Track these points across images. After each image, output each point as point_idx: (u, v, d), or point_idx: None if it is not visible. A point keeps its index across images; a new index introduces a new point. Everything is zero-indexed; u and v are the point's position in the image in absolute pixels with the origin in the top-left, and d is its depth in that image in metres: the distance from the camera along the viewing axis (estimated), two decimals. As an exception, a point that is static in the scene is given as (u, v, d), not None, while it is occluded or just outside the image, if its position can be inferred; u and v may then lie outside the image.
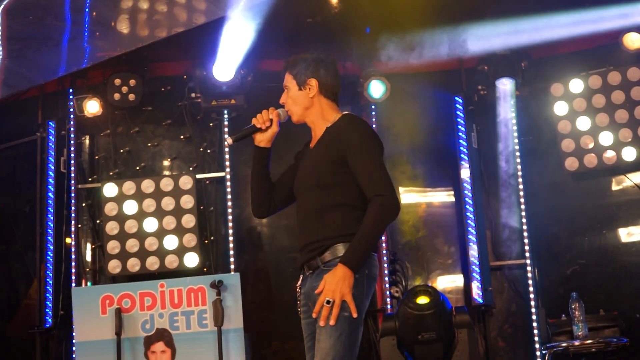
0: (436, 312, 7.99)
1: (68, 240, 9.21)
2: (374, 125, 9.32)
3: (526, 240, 9.03)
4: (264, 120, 4.64)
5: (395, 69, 9.38)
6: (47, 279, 9.04)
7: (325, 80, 4.65)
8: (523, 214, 9.06)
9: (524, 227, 9.03)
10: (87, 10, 7.63)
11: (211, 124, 9.40)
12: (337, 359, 4.22)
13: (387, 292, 9.06)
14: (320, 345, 4.25)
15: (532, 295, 8.91)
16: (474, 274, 8.84)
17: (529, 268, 8.96)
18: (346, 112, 4.63)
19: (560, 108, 9.03)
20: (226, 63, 8.85)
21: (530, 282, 8.94)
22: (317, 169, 4.49)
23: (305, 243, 4.46)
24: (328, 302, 4.18)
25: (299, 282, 4.54)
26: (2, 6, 7.38)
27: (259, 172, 4.74)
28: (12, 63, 8.42)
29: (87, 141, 9.57)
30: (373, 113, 9.38)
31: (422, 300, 8.08)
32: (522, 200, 9.08)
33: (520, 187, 9.09)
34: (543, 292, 9.02)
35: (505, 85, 9.01)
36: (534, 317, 8.84)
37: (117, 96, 9.20)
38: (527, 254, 8.99)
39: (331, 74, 4.69)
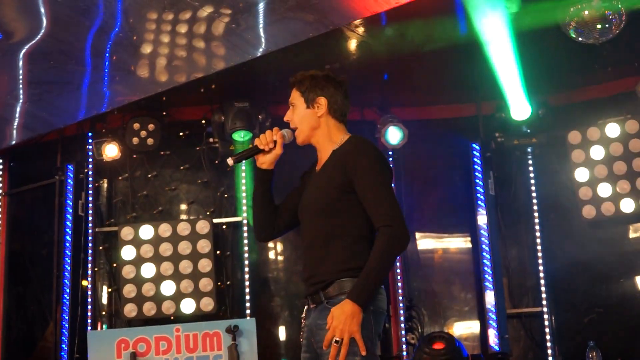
0: (452, 358, 7.96)
1: (84, 283, 9.22)
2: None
3: (543, 288, 9.00)
4: (268, 141, 4.38)
5: (412, 115, 9.43)
6: (63, 322, 9.06)
7: (335, 100, 4.44)
8: (540, 261, 9.03)
9: (541, 274, 9.00)
10: (107, 55, 7.69)
11: (229, 169, 9.43)
12: None
13: (403, 339, 9.04)
14: None
15: (549, 344, 8.88)
16: (491, 322, 8.81)
17: (545, 316, 8.93)
18: (354, 135, 4.38)
19: (577, 156, 9.04)
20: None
21: (547, 330, 8.91)
22: (323, 194, 4.26)
23: (308, 275, 4.26)
24: (337, 341, 3.96)
25: (304, 313, 4.34)
26: (24, 51, 7.46)
27: (261, 194, 4.50)
28: (32, 107, 8.49)
29: (105, 185, 9.61)
30: (391, 159, 9.40)
31: (438, 346, 8.05)
32: (539, 247, 9.06)
33: (537, 234, 9.08)
34: (560, 341, 8.98)
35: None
36: (551, 365, 8.80)
37: (135, 140, 9.25)
38: (544, 302, 8.96)
39: (341, 93, 4.49)
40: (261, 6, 6.95)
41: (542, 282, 9.01)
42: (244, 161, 4.51)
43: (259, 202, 4.51)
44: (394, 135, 9.10)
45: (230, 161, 4.38)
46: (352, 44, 8.38)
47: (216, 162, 9.47)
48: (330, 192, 4.22)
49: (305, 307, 4.33)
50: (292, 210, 4.50)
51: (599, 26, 7.55)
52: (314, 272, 4.22)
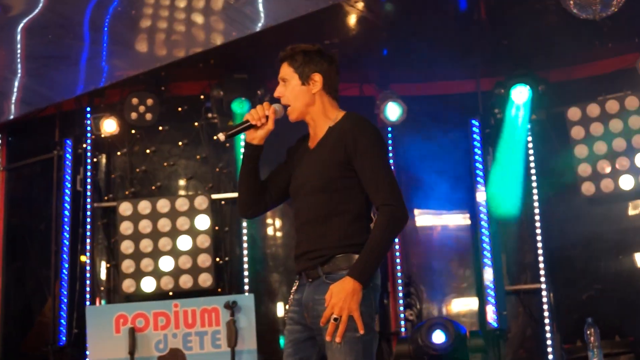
0: (452, 349, 8.04)
1: (83, 258, 9.23)
2: (390, 147, 9.35)
3: (541, 265, 8.99)
4: (260, 116, 4.25)
5: (411, 91, 9.41)
6: (62, 297, 9.08)
7: (329, 76, 4.33)
8: (539, 238, 9.03)
9: (540, 251, 9.00)
10: (105, 29, 7.67)
11: (227, 145, 9.41)
12: None
13: (402, 316, 9.05)
14: None
15: (547, 320, 8.88)
16: (489, 298, 8.83)
17: (544, 293, 8.93)
18: (350, 112, 4.32)
19: (576, 132, 9.01)
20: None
21: (545, 307, 8.91)
22: (321, 171, 4.19)
23: (305, 250, 4.20)
24: (335, 319, 3.94)
25: (294, 288, 4.29)
26: (22, 25, 7.43)
27: (249, 171, 4.39)
28: (30, 81, 8.47)
29: (104, 160, 9.59)
30: (390, 135, 9.40)
31: (438, 338, 8.11)
32: (537, 224, 9.05)
33: (536, 211, 9.07)
34: (558, 317, 8.99)
35: (521, 99, 8.95)
36: (548, 342, 8.82)
37: (134, 115, 9.23)
38: (543, 279, 8.96)
39: (334, 69, 4.37)
40: (260, -19, 6.95)
41: (541, 259, 9.00)
42: (241, 136, 4.36)
43: (247, 178, 4.42)
44: (393, 111, 9.09)
45: (221, 136, 4.34)
46: (352, 19, 8.37)
47: (215, 137, 9.43)
48: (331, 169, 4.17)
49: (296, 282, 4.29)
50: (280, 187, 4.46)
51: (599, 1, 7.51)
52: (312, 247, 4.17)
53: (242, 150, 4.37)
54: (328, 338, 4.00)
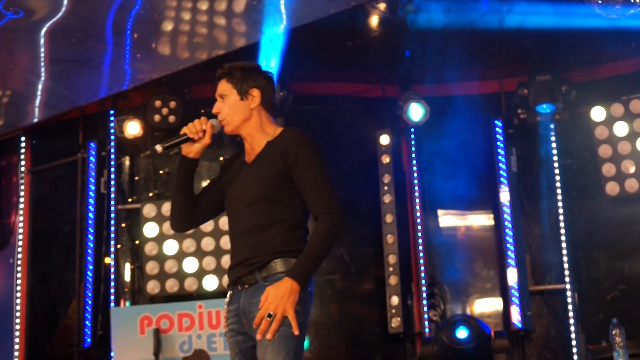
0: (476, 345, 8.01)
1: (107, 260, 9.26)
2: (413, 148, 9.35)
3: (566, 265, 8.95)
4: (197, 130, 4.36)
5: (434, 92, 9.40)
6: (86, 299, 9.10)
7: (267, 92, 4.42)
8: (563, 238, 8.99)
9: (564, 251, 8.96)
10: (128, 32, 7.72)
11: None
12: None
13: (425, 316, 9.04)
14: None
15: (572, 321, 8.84)
16: (514, 299, 8.78)
17: (568, 293, 8.89)
18: (289, 127, 4.42)
19: (600, 132, 8.97)
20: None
21: (570, 307, 8.87)
22: (261, 183, 4.25)
23: (242, 259, 4.23)
24: (269, 315, 4.01)
25: (227, 298, 4.31)
26: (45, 29, 7.47)
27: (185, 184, 4.47)
28: (54, 84, 8.52)
29: (127, 162, 9.61)
30: (412, 136, 9.41)
31: (462, 333, 8.09)
32: (562, 224, 9.02)
33: (560, 211, 9.03)
34: (583, 318, 8.94)
35: (546, 111, 8.97)
36: (573, 342, 8.77)
37: (157, 118, 9.25)
38: (567, 279, 8.92)
39: (271, 85, 4.47)
40: (283, -18, 6.96)
41: (565, 259, 8.96)
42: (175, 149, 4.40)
43: (181, 192, 4.48)
44: (415, 112, 9.08)
45: (159, 148, 4.38)
46: (374, 21, 8.37)
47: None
48: (271, 180, 4.23)
49: (230, 292, 4.32)
50: (213, 201, 4.53)
51: (622, 0, 7.49)
52: (249, 255, 4.21)
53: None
54: (259, 336, 4.05)
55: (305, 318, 4.17)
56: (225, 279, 8.81)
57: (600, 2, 7.42)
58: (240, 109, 4.39)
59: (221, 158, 9.25)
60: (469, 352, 8.08)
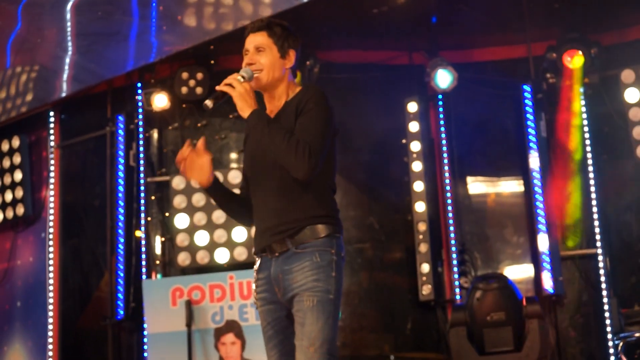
0: (505, 292, 8.02)
1: (138, 233, 9.31)
2: (441, 115, 9.31)
3: (597, 230, 8.91)
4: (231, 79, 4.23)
5: (461, 58, 9.35)
6: (118, 272, 9.16)
7: (297, 56, 4.38)
8: (594, 202, 8.94)
9: (595, 215, 8.91)
10: (154, 4, 7.73)
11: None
12: (326, 343, 4.03)
13: (456, 283, 9.04)
14: (306, 329, 4.04)
15: (603, 285, 8.79)
16: (544, 264, 8.76)
17: (600, 257, 8.85)
18: (305, 84, 4.38)
19: (630, 95, 8.87)
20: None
21: (601, 271, 8.82)
22: None
23: (268, 225, 4.17)
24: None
25: (256, 266, 4.26)
26: (71, 3, 7.48)
27: (224, 200, 4.43)
28: (81, 58, 8.55)
29: (156, 135, 9.63)
30: (440, 103, 9.36)
31: (492, 281, 8.10)
32: (592, 189, 8.96)
33: (591, 175, 8.97)
34: (615, 282, 8.90)
35: (574, 63, 8.85)
36: (605, 307, 8.73)
37: (184, 90, 9.24)
38: (599, 243, 8.88)
39: (299, 50, 4.42)
40: (307, -50, 6.93)
41: (596, 223, 8.91)
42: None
43: (228, 207, 4.48)
44: (443, 78, 9.02)
45: (209, 103, 4.31)
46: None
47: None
48: None
49: (258, 260, 4.26)
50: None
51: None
52: (278, 221, 4.15)
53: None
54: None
55: (341, 283, 4.13)
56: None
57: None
58: (278, 65, 4.30)
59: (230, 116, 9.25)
60: (497, 296, 8.08)
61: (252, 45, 4.32)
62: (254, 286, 4.29)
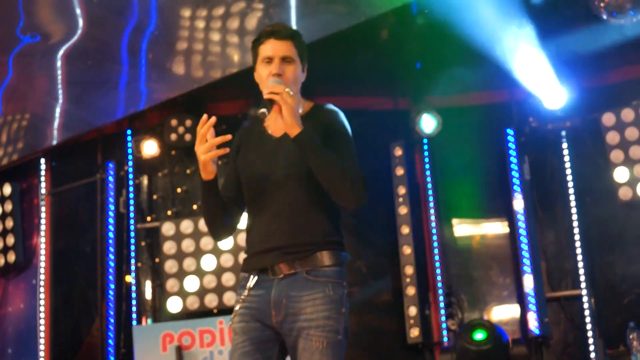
0: (494, 347, 8.06)
1: (128, 278, 9.37)
2: (427, 159, 9.43)
3: (581, 271, 9.00)
4: (281, 91, 3.85)
5: (446, 103, 9.48)
6: (109, 317, 9.22)
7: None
8: (577, 244, 9.04)
9: (579, 257, 9.02)
10: (143, 53, 7.83)
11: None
12: None
13: (444, 325, 9.11)
14: None
15: (589, 326, 8.87)
16: (530, 306, 8.84)
17: (585, 299, 8.93)
18: (319, 103, 4.10)
19: (611, 138, 9.03)
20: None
21: (587, 312, 8.90)
22: (299, 160, 3.87)
23: (275, 245, 3.90)
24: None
25: (252, 283, 3.94)
26: (62, 52, 7.60)
27: (215, 201, 4.03)
28: (72, 106, 8.65)
29: (146, 181, 9.71)
30: (426, 147, 9.48)
31: (479, 335, 8.14)
32: (576, 230, 9.07)
33: (574, 217, 9.09)
34: (600, 323, 8.97)
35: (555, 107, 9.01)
36: (591, 348, 8.79)
37: (173, 137, 9.34)
38: (583, 285, 8.97)
39: None
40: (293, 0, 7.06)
41: (580, 264, 9.01)
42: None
43: (215, 210, 4.06)
44: (428, 123, 9.14)
45: (265, 111, 3.87)
46: (384, 34, 8.45)
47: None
48: None
49: (253, 277, 3.95)
50: (239, 187, 4.12)
51: (629, 6, 7.56)
52: (288, 242, 3.89)
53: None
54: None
55: (348, 319, 3.94)
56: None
57: (606, 9, 7.50)
58: (299, 81, 4.05)
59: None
60: (487, 355, 8.13)
61: (279, 53, 3.99)
62: (239, 300, 3.97)
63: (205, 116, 3.87)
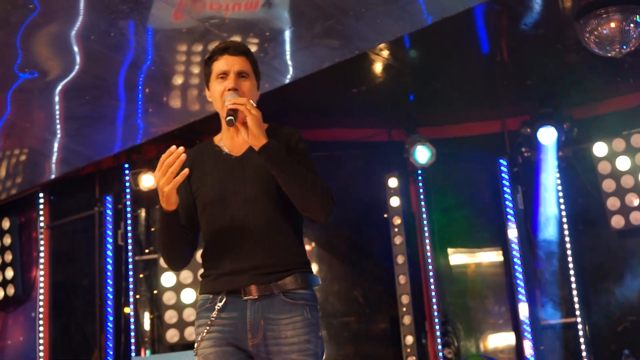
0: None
1: (127, 310, 9.41)
2: (421, 190, 9.52)
3: (575, 299, 9.08)
4: (243, 100, 3.68)
5: (439, 134, 9.57)
6: (108, 350, 9.25)
7: None
8: (571, 272, 9.12)
9: (573, 285, 9.09)
10: (140, 87, 7.88)
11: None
12: None
13: (440, 354, 9.16)
14: None
15: (584, 354, 8.94)
16: (526, 334, 8.90)
17: (579, 326, 9.01)
18: (274, 123, 3.90)
19: (603, 167, 9.14)
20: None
21: (581, 340, 8.97)
22: (265, 179, 3.76)
23: (247, 266, 3.73)
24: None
25: (219, 304, 3.75)
26: (59, 88, 7.68)
27: (178, 232, 3.84)
28: (69, 141, 8.71)
29: (143, 214, 9.77)
30: (420, 178, 9.57)
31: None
32: (570, 259, 9.15)
33: (568, 245, 9.17)
34: (595, 350, 9.04)
35: (548, 137, 9.10)
36: (587, 374, 8.87)
37: (171, 170, 9.37)
38: (578, 312, 9.04)
39: None
40: (287, 34, 7.14)
41: (575, 292, 9.09)
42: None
43: (178, 241, 3.87)
44: (422, 154, 9.23)
45: (233, 120, 3.68)
46: (378, 67, 8.54)
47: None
48: (270, 174, 3.75)
49: (221, 298, 3.77)
50: (194, 214, 3.94)
51: (619, 40, 7.65)
52: (264, 262, 3.73)
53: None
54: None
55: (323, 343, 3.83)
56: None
57: (596, 42, 7.60)
58: (255, 97, 3.90)
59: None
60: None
61: (234, 68, 3.88)
62: (204, 326, 3.77)
63: (173, 147, 3.63)
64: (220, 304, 3.76)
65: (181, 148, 3.62)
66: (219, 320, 3.75)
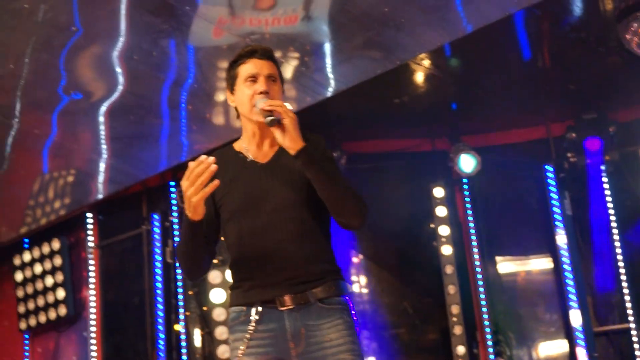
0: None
1: (177, 327, 9.45)
2: (467, 198, 9.48)
3: (628, 305, 8.98)
4: (279, 103, 3.67)
5: (483, 142, 9.53)
6: (160, 367, 9.32)
7: None
8: (623, 277, 9.03)
9: (625, 291, 9.00)
10: (183, 105, 7.95)
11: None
12: None
13: (493, 364, 9.13)
14: None
15: (638, 359, 8.85)
16: (579, 341, 8.82)
17: (633, 332, 8.90)
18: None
19: (651, 170, 9.06)
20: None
21: (636, 346, 8.87)
22: (299, 185, 3.73)
23: (283, 277, 3.68)
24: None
25: (255, 316, 3.68)
26: (104, 108, 7.77)
27: (201, 242, 3.78)
28: (116, 161, 8.80)
29: (191, 231, 9.80)
30: (466, 187, 9.53)
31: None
32: (621, 264, 9.06)
33: (618, 250, 9.08)
34: (650, 356, 8.95)
35: (594, 143, 9.05)
36: (642, 380, 8.77)
37: (215, 186, 9.41)
38: (631, 318, 8.94)
39: None
40: (328, 47, 7.16)
41: (627, 298, 8.99)
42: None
43: (200, 251, 3.82)
44: (467, 163, 9.20)
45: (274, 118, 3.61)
46: (419, 77, 8.53)
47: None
48: (301, 181, 3.72)
49: (257, 310, 3.70)
50: (216, 224, 3.90)
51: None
52: (298, 272, 3.69)
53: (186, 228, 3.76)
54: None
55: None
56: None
57: (639, 44, 7.53)
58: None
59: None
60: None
61: (264, 71, 3.84)
62: (243, 339, 3.70)
63: (203, 156, 3.58)
64: (256, 316, 3.70)
65: (212, 158, 3.56)
66: (257, 334, 3.69)
